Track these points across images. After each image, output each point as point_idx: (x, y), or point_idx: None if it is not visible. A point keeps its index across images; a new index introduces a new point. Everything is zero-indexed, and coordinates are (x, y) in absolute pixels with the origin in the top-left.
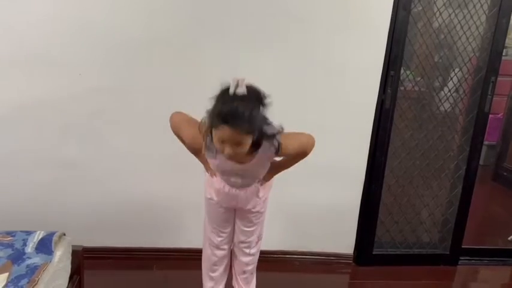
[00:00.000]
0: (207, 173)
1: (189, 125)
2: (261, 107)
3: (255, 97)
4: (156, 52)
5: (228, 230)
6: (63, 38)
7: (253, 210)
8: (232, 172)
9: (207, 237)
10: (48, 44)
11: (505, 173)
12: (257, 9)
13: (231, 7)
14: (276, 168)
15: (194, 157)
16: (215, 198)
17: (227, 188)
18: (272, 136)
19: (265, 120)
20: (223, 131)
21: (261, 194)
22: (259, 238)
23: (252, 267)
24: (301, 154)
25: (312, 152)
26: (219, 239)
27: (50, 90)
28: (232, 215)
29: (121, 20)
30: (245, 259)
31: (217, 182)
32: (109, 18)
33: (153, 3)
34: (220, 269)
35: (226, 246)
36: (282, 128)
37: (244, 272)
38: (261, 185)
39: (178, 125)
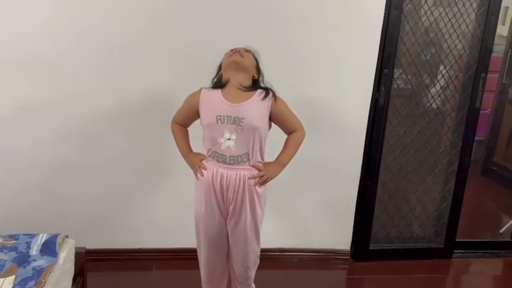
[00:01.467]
0: (196, 189)
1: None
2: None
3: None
4: (154, 54)
5: (221, 251)
6: (61, 40)
7: (247, 226)
8: (228, 119)
9: (200, 253)
10: (46, 47)
11: (493, 168)
12: (253, 9)
13: (229, 7)
14: (281, 158)
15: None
16: (205, 196)
17: (219, 171)
18: (267, 87)
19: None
20: (235, 49)
21: (258, 189)
22: (257, 257)
23: (252, 275)
24: (294, 127)
25: (303, 143)
26: (211, 258)
27: (48, 93)
28: (225, 235)
29: (119, 23)
30: (243, 274)
31: (208, 170)
32: (107, 21)
33: (151, 6)
34: (216, 283)
35: (220, 265)
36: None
37: (241, 283)
38: (255, 184)
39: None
